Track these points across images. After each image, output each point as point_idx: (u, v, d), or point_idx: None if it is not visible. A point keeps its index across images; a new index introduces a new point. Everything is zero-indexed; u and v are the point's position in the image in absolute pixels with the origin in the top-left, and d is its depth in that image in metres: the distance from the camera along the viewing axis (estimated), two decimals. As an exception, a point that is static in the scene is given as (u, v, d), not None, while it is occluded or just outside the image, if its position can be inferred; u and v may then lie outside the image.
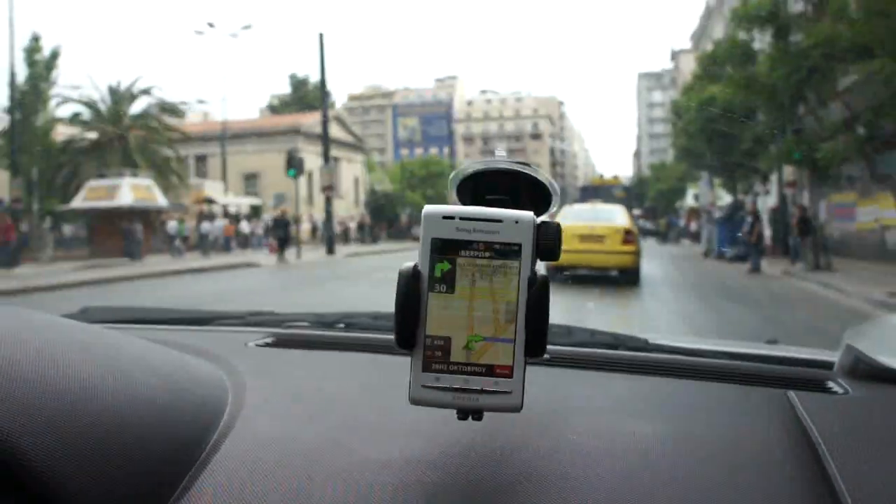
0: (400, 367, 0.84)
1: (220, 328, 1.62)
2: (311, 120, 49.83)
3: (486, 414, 0.78)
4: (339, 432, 0.89)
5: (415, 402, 0.76)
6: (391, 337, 0.76)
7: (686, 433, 0.94)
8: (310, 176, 47.65)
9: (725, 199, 34.74)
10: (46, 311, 0.92)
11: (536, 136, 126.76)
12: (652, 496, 0.77)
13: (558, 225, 0.79)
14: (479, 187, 0.84)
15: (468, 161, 0.86)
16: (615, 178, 44.22)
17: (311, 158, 46.42)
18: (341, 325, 1.64)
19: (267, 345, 1.39)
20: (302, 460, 0.82)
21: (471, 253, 0.75)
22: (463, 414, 0.78)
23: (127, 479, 0.71)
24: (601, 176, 51.70)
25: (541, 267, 0.80)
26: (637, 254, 15.19)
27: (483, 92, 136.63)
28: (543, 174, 0.85)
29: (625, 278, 15.21)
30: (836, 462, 0.83)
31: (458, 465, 0.81)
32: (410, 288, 0.75)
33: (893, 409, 1.11)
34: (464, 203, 0.84)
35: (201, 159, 51.62)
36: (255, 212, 46.89)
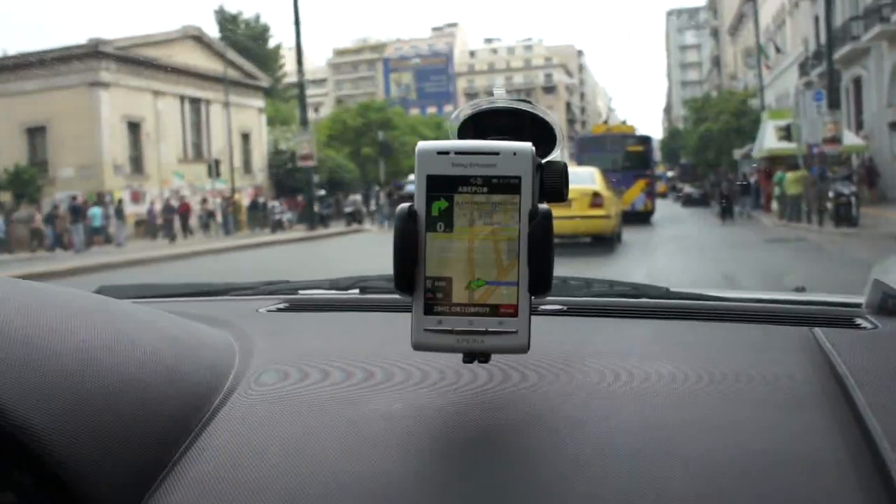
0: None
1: (233, 298, 1.60)
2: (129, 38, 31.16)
3: (496, 360, 0.79)
4: (346, 386, 0.89)
5: (417, 347, 0.76)
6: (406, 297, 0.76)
7: (709, 372, 0.92)
8: (135, 127, 28.93)
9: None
10: None
11: (550, 88, 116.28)
12: (676, 437, 0.76)
13: (564, 164, 0.79)
14: (480, 129, 0.82)
15: (470, 102, 0.83)
16: (627, 125, 34.04)
17: (138, 98, 27.55)
18: (355, 290, 1.59)
19: (279, 310, 1.38)
20: (306, 414, 0.83)
21: (469, 189, 0.74)
22: (469, 357, 0.77)
23: (132, 441, 0.72)
24: (605, 123, 39.17)
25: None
26: (609, 217, 14.86)
27: (488, 41, 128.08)
28: (546, 112, 0.82)
29: (599, 245, 14.85)
30: (865, 396, 0.82)
31: (465, 412, 0.81)
32: (407, 228, 0.73)
33: None
34: None
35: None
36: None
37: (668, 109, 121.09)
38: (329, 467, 0.73)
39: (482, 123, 0.82)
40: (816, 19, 37.00)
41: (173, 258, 20.68)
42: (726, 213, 25.43)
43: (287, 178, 40.91)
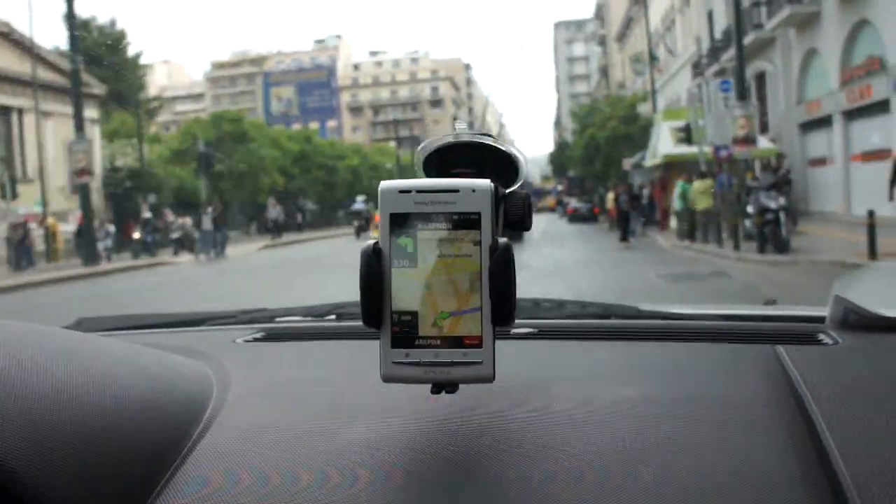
0: None
1: (210, 328, 1.61)
2: None
3: (465, 388, 0.80)
4: (322, 418, 0.91)
5: (387, 379, 0.78)
6: None
7: (673, 395, 0.95)
8: None
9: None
10: None
11: (436, 102, 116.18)
12: (640, 460, 0.78)
13: (526, 194, 0.83)
14: (444, 162, 0.86)
15: (431, 137, 0.89)
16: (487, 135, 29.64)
17: None
18: (331, 317, 1.62)
19: (255, 339, 1.39)
20: (283, 447, 0.83)
21: (431, 226, 0.76)
22: (437, 388, 0.79)
23: (109, 478, 0.73)
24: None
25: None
26: None
27: (373, 53, 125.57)
28: (508, 145, 0.86)
29: None
30: (821, 411, 0.84)
31: (436, 441, 0.83)
32: (372, 266, 0.76)
33: (883, 355, 1.14)
34: (429, 176, 0.85)
35: None
36: None
37: (557, 123, 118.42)
38: (308, 499, 0.74)
39: (446, 157, 0.85)
40: (710, 14, 33.49)
41: None
42: (625, 232, 21.84)
43: (125, 198, 35.32)
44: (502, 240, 0.76)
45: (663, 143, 24.61)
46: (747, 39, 25.72)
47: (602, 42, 76.84)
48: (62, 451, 0.69)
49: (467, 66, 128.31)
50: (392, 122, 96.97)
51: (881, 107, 20.11)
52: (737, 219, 15.53)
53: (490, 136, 0.85)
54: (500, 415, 0.88)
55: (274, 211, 39.51)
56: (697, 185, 18.81)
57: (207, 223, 25.18)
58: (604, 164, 38.20)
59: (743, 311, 1.61)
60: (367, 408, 0.92)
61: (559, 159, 67.27)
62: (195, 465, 0.79)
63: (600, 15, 77.36)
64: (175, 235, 28.77)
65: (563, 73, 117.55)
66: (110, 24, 55.38)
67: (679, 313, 1.52)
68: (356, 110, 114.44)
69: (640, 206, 25.67)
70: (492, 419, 0.87)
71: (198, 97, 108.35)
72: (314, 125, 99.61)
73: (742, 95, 17.61)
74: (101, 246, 26.88)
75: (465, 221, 0.75)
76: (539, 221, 43.51)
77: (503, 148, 0.85)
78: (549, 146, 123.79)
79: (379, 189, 0.76)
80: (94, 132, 36.09)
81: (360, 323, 1.32)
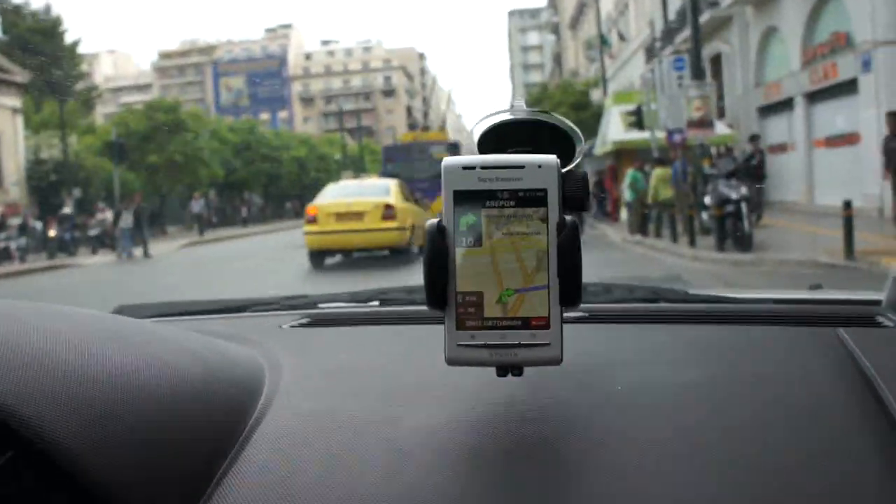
0: (438, 336, 0.82)
1: (254, 314, 1.61)
2: None
3: (526, 371, 0.79)
4: (379, 403, 0.90)
5: (451, 362, 0.77)
6: (427, 308, 0.78)
7: (734, 378, 0.95)
8: None
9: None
10: None
11: (389, 92, 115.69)
12: (708, 446, 0.77)
13: (584, 173, 0.81)
14: (501, 140, 0.85)
15: (487, 114, 0.86)
16: (441, 131, 33.84)
17: None
18: (375, 302, 1.62)
19: (301, 325, 1.40)
20: (343, 431, 0.83)
21: (496, 203, 0.75)
22: (502, 370, 0.78)
23: (170, 465, 0.73)
24: (414, 130, 42.18)
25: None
26: (403, 229, 14.66)
27: (325, 43, 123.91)
28: (565, 121, 0.86)
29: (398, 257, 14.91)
30: (892, 393, 0.84)
31: (500, 424, 0.82)
32: (436, 245, 0.75)
33: None
34: None
35: None
36: None
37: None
38: (369, 483, 0.74)
39: (502, 135, 0.85)
40: (664, -6, 32.01)
41: None
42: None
43: (51, 192, 32.97)
44: (569, 217, 0.75)
45: (614, 130, 22.96)
46: (703, 18, 24.15)
47: (555, 30, 75.59)
48: (122, 437, 0.69)
49: (421, 56, 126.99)
50: (344, 112, 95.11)
51: (847, 87, 18.49)
52: (692, 211, 13.82)
53: (545, 111, 0.84)
54: (566, 399, 0.87)
55: (197, 205, 36.97)
56: (659, 171, 16.95)
57: (128, 220, 22.97)
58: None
59: (792, 296, 1.59)
60: (427, 392, 0.90)
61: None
62: (254, 452, 0.79)
63: (553, 2, 75.96)
64: (94, 233, 26.64)
65: (518, 62, 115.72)
66: (45, 9, 52.88)
67: (727, 297, 1.51)
68: (308, 101, 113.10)
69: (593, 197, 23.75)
70: (557, 403, 0.86)
71: (145, 88, 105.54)
72: (265, 116, 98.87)
73: (698, 75, 15.83)
74: (13, 245, 24.74)
75: (531, 198, 0.74)
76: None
77: (560, 124, 0.84)
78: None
79: (442, 166, 0.75)
80: (17, 122, 33.96)
81: (404, 308, 1.42)
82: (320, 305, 1.60)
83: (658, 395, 0.88)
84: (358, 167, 59.13)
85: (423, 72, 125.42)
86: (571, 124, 0.85)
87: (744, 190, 12.25)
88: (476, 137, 0.85)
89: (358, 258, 15.45)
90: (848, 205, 10.42)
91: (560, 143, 0.84)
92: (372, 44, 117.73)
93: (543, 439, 0.78)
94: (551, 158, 0.75)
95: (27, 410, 0.63)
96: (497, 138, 0.85)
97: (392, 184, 16.13)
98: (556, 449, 0.77)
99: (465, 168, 0.74)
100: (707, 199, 12.89)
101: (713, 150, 21.48)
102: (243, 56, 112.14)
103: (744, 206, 12.03)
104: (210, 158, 43.26)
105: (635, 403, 0.86)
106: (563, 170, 0.77)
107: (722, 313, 1.29)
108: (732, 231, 12.08)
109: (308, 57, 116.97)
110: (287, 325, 1.37)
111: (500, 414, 0.83)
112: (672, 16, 28.12)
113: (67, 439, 0.64)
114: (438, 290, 0.74)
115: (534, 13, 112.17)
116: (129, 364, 0.76)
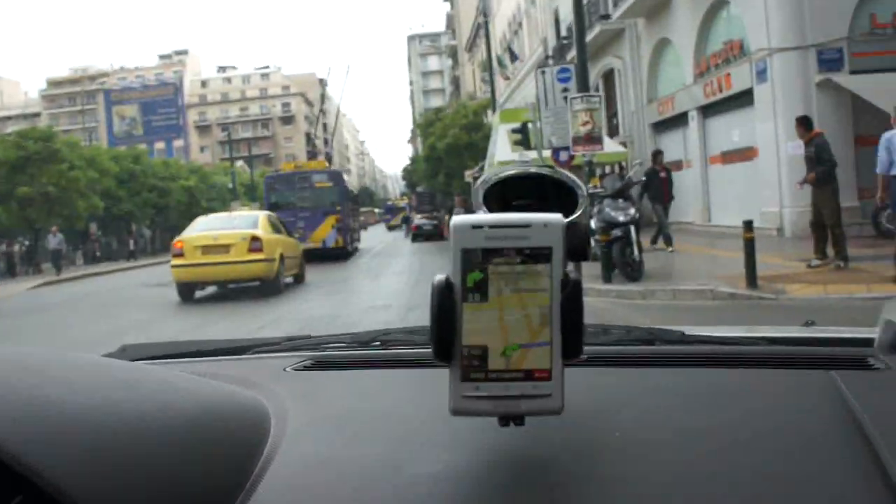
0: (440, 380, 0.84)
1: (257, 356, 1.61)
2: None
3: (527, 419, 0.81)
4: (385, 450, 0.92)
5: (456, 412, 0.79)
6: (428, 350, 0.79)
7: (730, 422, 0.96)
8: None
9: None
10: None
11: (288, 118, 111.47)
12: (705, 489, 0.80)
13: (586, 224, 0.92)
14: (506, 194, 0.91)
15: (492, 169, 1.03)
16: (320, 161, 34.60)
17: None
18: (377, 343, 1.64)
19: (305, 368, 1.40)
20: (351, 480, 0.84)
21: (502, 260, 0.78)
22: (504, 421, 0.80)
23: None
24: (294, 160, 42.13)
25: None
26: (271, 261, 14.97)
27: (222, 69, 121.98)
28: (568, 175, 0.91)
29: (264, 289, 15.01)
30: (882, 438, 0.86)
31: (503, 473, 0.84)
32: (444, 300, 0.77)
33: None
34: (490, 209, 0.90)
35: None
36: None
37: (413, 139, 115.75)
38: None
39: (507, 189, 0.91)
40: (556, 12, 30.97)
41: None
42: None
43: None
44: (573, 274, 0.78)
45: (500, 150, 21.34)
46: (593, 32, 23.06)
47: (453, 54, 74.85)
48: (133, 485, 0.69)
49: (322, 82, 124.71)
50: (241, 140, 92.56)
51: (743, 99, 17.43)
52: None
53: (550, 166, 0.90)
54: (569, 445, 0.89)
55: (54, 240, 34.40)
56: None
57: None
58: (447, 176, 35.23)
59: (786, 334, 1.64)
60: (431, 440, 0.92)
61: (411, 174, 64.72)
62: (261, 499, 0.79)
63: (451, 26, 75.34)
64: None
65: (418, 86, 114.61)
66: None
67: (723, 337, 1.55)
68: (204, 128, 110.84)
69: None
70: (560, 450, 0.87)
71: (33, 117, 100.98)
72: (160, 145, 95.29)
73: (585, 87, 14.48)
74: None
75: (537, 255, 0.76)
76: (374, 239, 40.87)
77: (563, 178, 0.90)
78: (405, 160, 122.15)
79: (451, 225, 0.78)
80: None
81: (407, 350, 1.44)
82: (322, 347, 1.60)
83: (655, 441, 0.89)
84: (252, 196, 56.89)
85: (323, 98, 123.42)
86: (573, 177, 0.90)
87: (632, 211, 10.79)
88: (480, 192, 0.90)
89: (234, 289, 15.44)
90: (749, 226, 9.01)
91: (563, 194, 0.90)
92: (271, 70, 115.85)
93: (544, 487, 0.79)
94: (556, 218, 0.77)
95: (35, 458, 0.63)
96: (502, 191, 0.90)
97: (261, 216, 16.57)
98: (557, 497, 0.78)
99: (473, 227, 0.77)
100: (592, 223, 11.36)
101: (607, 169, 20.10)
102: (137, 83, 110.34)
103: (632, 231, 10.54)
104: (88, 189, 40.54)
105: (634, 449, 0.87)
106: (566, 220, 0.78)
107: (717, 356, 1.30)
108: (620, 259, 10.58)
109: (204, 84, 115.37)
110: (290, 367, 1.36)
111: (503, 463, 0.85)
112: (564, 32, 27.07)
113: (76, 493, 0.63)
114: (446, 344, 0.76)
115: (433, 37, 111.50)
116: (138, 413, 0.77)
